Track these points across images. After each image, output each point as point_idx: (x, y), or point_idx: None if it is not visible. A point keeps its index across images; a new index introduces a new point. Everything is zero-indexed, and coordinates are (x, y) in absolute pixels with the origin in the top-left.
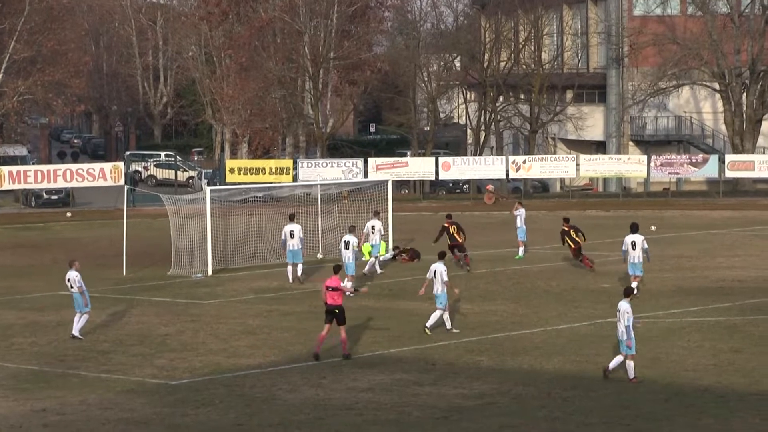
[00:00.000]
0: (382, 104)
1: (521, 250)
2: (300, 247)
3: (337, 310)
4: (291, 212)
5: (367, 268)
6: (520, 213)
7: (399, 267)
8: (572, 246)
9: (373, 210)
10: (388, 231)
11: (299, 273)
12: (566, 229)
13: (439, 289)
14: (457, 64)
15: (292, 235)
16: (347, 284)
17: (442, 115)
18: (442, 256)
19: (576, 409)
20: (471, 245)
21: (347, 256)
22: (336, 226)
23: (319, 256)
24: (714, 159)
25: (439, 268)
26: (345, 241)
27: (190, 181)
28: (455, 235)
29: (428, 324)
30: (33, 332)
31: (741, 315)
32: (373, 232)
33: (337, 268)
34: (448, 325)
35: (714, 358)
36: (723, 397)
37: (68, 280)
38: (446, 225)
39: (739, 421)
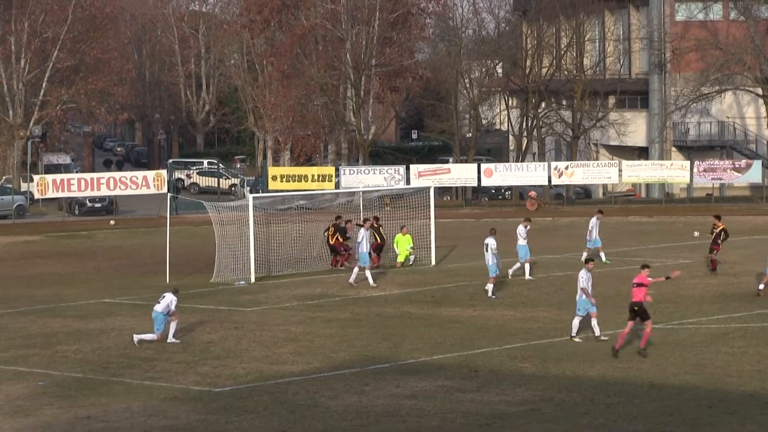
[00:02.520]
0: (423, 111)
1: (603, 255)
2: (364, 251)
3: (636, 308)
4: (365, 217)
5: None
6: (593, 222)
7: (440, 274)
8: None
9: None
10: (430, 238)
11: (367, 277)
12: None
13: (579, 294)
14: (499, 71)
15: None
16: (488, 286)
17: (483, 122)
18: (587, 262)
19: (619, 415)
20: (512, 252)
21: (487, 258)
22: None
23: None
24: (757, 164)
25: (581, 274)
26: (485, 244)
27: (233, 188)
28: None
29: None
30: (77, 340)
31: None
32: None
33: (644, 266)
34: (597, 331)
35: (758, 364)
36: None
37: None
38: None
39: None
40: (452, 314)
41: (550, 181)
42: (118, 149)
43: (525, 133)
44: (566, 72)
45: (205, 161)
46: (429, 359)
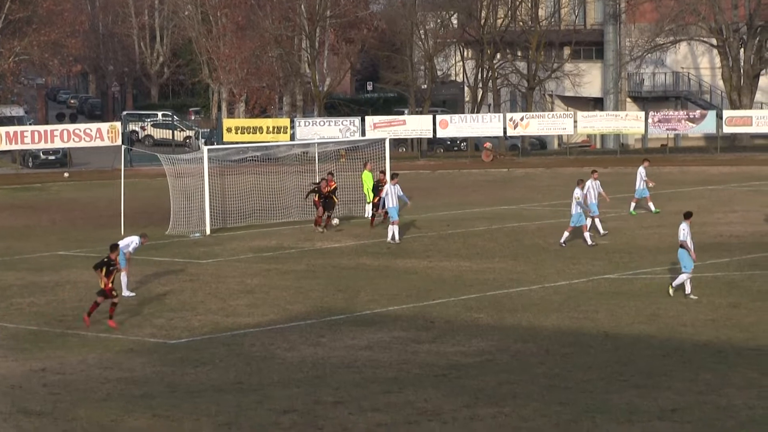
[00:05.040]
0: (379, 62)
1: (633, 205)
2: (392, 205)
3: None
4: (393, 173)
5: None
6: (641, 171)
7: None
8: None
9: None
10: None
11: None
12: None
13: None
14: (454, 22)
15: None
16: (585, 235)
17: (439, 73)
18: (687, 216)
19: (575, 365)
20: (468, 203)
21: (573, 207)
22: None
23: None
24: (711, 115)
25: (681, 227)
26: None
27: (188, 140)
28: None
29: (674, 284)
30: (32, 293)
31: (739, 270)
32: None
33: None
34: (687, 289)
35: (712, 313)
36: (721, 352)
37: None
38: None
39: (737, 375)
40: (408, 266)
41: (505, 132)
42: (72, 101)
43: (480, 85)
44: (521, 23)
45: (160, 113)
46: (385, 310)
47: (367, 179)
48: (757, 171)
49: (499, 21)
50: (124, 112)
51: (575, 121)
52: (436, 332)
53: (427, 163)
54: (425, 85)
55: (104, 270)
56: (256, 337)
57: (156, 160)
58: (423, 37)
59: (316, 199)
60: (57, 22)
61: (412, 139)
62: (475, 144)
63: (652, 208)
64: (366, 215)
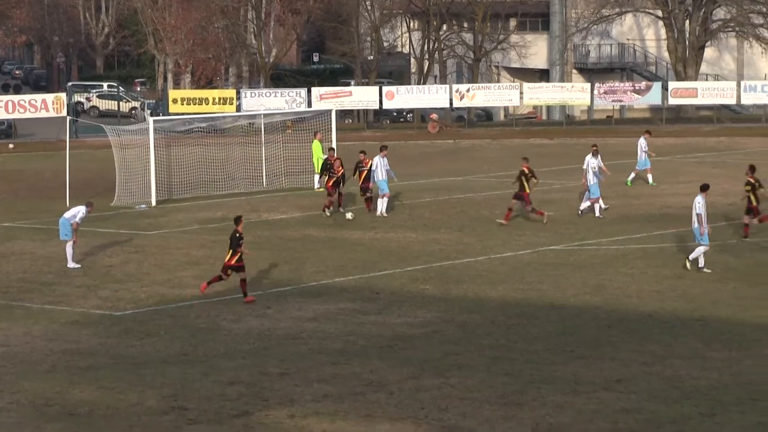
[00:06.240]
0: (325, 34)
1: (632, 176)
2: (381, 178)
3: None
4: (382, 144)
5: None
6: (641, 143)
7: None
8: (526, 192)
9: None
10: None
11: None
12: (525, 170)
13: (695, 221)
14: None
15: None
16: (595, 206)
17: (385, 45)
18: (704, 189)
19: (520, 336)
20: (414, 174)
21: (589, 178)
22: (279, 156)
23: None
24: (657, 86)
25: (696, 200)
26: (586, 162)
27: (133, 111)
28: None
29: (691, 257)
30: None
31: (684, 242)
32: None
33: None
34: (701, 262)
35: (657, 284)
36: (666, 322)
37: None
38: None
39: (682, 346)
40: (354, 237)
41: (451, 103)
42: (17, 72)
43: (426, 56)
44: None
45: (105, 84)
46: (331, 282)
47: (317, 149)
48: (702, 142)
49: None
50: (70, 83)
51: (521, 93)
52: (382, 303)
53: (373, 135)
54: (371, 57)
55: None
56: (202, 309)
57: (101, 132)
58: (369, 8)
59: (330, 184)
60: None
61: (358, 111)
62: (421, 115)
63: (650, 180)
64: (315, 187)
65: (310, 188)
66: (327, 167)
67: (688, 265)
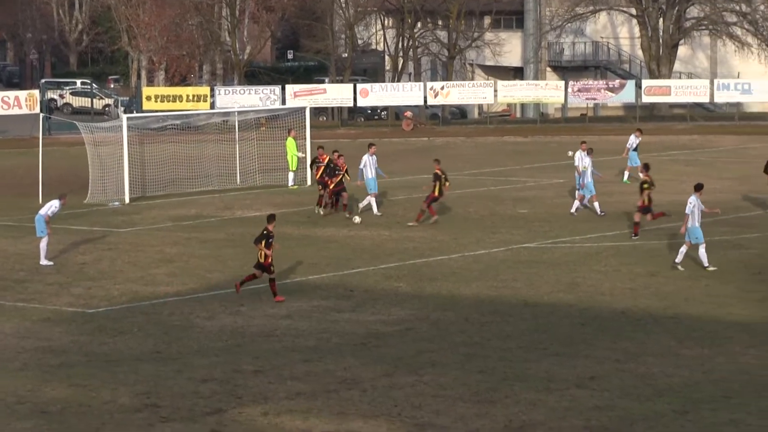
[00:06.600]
0: (299, 31)
1: (627, 174)
2: (371, 176)
3: None
4: (370, 142)
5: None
6: (632, 141)
7: (316, 195)
8: (437, 194)
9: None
10: (306, 159)
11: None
12: (438, 172)
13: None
14: None
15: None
16: (594, 205)
17: (360, 42)
18: (698, 188)
19: (494, 334)
20: (388, 172)
21: (588, 175)
22: (253, 154)
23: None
24: (631, 84)
25: (690, 200)
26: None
27: (107, 108)
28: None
29: (699, 260)
30: None
31: (657, 239)
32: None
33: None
34: (705, 262)
35: (631, 282)
36: (639, 320)
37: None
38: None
39: (655, 343)
40: (328, 234)
41: (425, 101)
42: None
43: (401, 54)
44: None
45: (79, 81)
46: (305, 279)
47: (291, 146)
48: (675, 140)
49: None
50: (43, 80)
51: (495, 91)
52: (356, 301)
53: (347, 132)
54: (346, 54)
55: (263, 243)
56: (175, 306)
57: (75, 129)
58: (343, 5)
59: (318, 175)
60: None
61: (332, 108)
62: (396, 113)
63: (625, 177)
64: (290, 185)
65: (284, 186)
66: (329, 166)
67: (707, 265)
